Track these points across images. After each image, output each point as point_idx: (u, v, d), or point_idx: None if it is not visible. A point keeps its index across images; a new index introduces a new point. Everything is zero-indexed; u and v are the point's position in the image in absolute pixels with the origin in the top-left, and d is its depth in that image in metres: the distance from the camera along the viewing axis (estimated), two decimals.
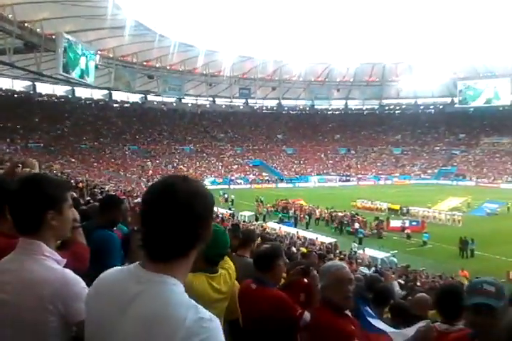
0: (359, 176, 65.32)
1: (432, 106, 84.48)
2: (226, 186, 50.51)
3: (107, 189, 24.85)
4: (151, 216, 1.30)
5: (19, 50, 39.46)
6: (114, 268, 1.45)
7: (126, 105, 74.16)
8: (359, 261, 18.39)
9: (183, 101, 78.02)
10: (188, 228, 1.29)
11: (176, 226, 1.27)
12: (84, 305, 1.45)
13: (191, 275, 2.22)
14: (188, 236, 1.30)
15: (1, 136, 49.49)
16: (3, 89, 61.44)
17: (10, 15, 36.87)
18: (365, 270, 11.30)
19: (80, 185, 18.75)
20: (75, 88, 66.85)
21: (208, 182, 49.65)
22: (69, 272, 1.74)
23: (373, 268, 14.22)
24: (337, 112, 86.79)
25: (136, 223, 3.50)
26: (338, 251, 19.71)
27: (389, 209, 34.96)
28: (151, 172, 56.93)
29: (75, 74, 45.39)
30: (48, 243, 1.80)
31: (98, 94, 71.48)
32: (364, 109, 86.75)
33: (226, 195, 40.52)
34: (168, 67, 65.50)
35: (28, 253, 1.76)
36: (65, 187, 1.95)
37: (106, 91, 70.04)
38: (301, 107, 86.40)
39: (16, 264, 1.75)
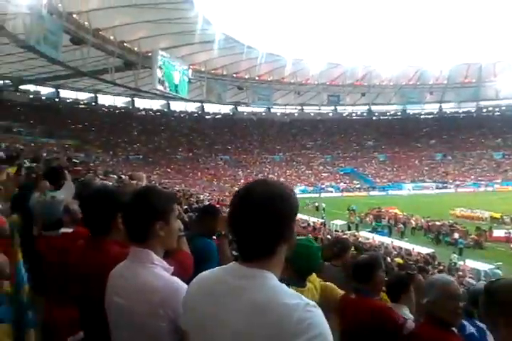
0: (457, 183, 62.01)
1: None
2: (316, 195, 50.19)
3: (202, 198, 25.68)
4: (236, 218, 1.40)
5: (119, 69, 42.25)
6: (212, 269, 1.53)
7: (217, 116, 76.43)
8: (460, 273, 17.42)
9: (272, 110, 78.98)
10: (269, 228, 1.35)
11: (257, 227, 1.35)
12: (184, 302, 1.54)
13: None
14: (269, 235, 1.36)
15: (106, 149, 53.14)
16: (107, 105, 65.89)
17: (111, 37, 39.64)
18: (472, 281, 10.66)
19: (178, 194, 19.52)
20: (170, 102, 70.20)
21: (298, 191, 49.62)
22: (177, 279, 1.83)
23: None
24: (431, 116, 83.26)
25: (223, 228, 3.65)
26: (436, 263, 18.77)
27: (491, 217, 32.83)
28: (242, 181, 58.10)
29: (169, 89, 47.68)
30: (156, 251, 1.90)
31: (192, 107, 74.46)
32: (460, 111, 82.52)
33: (317, 204, 40.17)
34: (256, 78, 66.70)
35: (139, 260, 1.87)
36: (172, 199, 2.07)
37: (199, 104, 72.84)
38: (393, 112, 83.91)
39: (129, 271, 1.88)
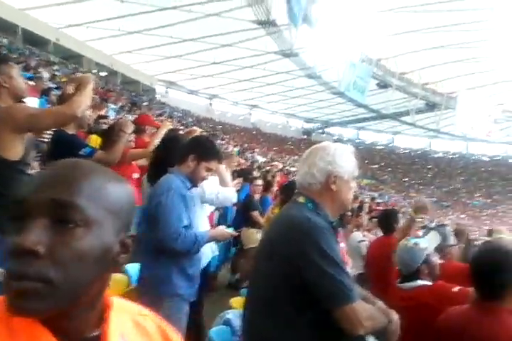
0: None
1: None
2: None
3: None
4: None
5: (421, 110, 42.60)
6: None
7: None
8: None
9: None
10: None
11: None
12: None
13: None
14: None
15: (398, 190, 53.57)
16: (403, 147, 66.53)
17: (415, 80, 40.49)
18: None
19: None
20: (469, 143, 66.41)
21: None
22: None
23: None
24: None
25: None
26: None
27: None
28: None
29: (470, 131, 45.57)
30: None
31: (493, 150, 68.75)
32: None
33: None
34: None
35: None
36: None
37: (503, 147, 66.76)
38: None
39: None
